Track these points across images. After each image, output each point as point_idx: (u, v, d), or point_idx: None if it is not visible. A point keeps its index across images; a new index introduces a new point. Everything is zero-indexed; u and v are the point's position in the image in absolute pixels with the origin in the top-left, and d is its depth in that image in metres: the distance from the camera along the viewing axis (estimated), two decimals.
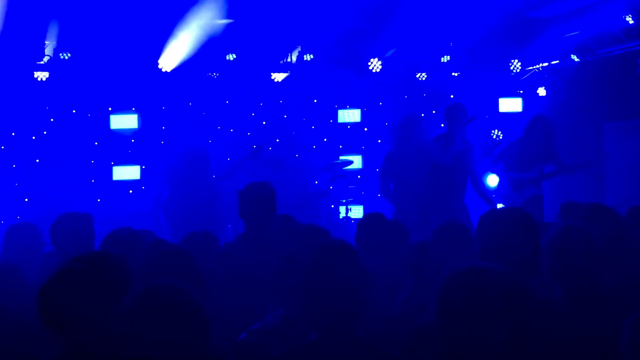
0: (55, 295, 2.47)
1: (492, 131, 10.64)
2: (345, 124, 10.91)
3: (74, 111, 9.77)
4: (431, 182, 7.73)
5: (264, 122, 10.53)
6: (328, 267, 2.71)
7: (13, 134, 9.55)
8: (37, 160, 9.61)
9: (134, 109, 9.94)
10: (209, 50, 9.35)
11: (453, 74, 10.70)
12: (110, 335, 2.41)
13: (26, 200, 9.46)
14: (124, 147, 9.96)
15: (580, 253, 3.02)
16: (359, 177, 10.71)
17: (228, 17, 8.92)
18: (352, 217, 9.42)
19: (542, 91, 10.93)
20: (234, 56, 9.74)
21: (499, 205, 8.73)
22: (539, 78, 10.99)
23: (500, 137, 10.35)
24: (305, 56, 9.88)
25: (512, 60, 10.56)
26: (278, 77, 10.19)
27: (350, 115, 10.86)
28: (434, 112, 10.84)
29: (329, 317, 2.67)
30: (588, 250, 3.03)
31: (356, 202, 10.17)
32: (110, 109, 9.90)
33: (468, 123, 7.72)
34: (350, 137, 10.90)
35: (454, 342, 2.16)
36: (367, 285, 2.74)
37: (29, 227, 5.27)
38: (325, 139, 10.83)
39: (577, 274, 3.01)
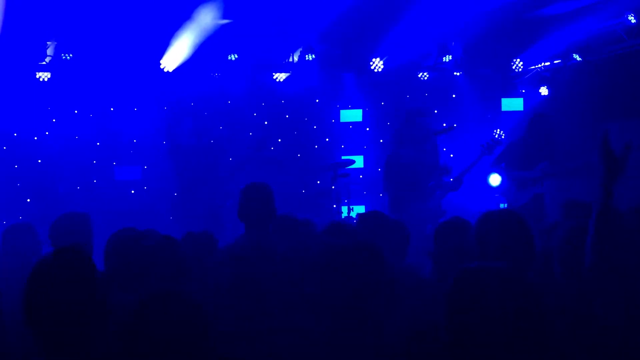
0: (33, 296, 2.48)
1: (495, 130, 10.63)
2: (347, 124, 10.91)
3: (75, 111, 9.78)
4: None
5: (265, 122, 10.53)
6: (353, 269, 2.76)
7: (15, 134, 9.56)
8: (39, 161, 9.62)
9: (136, 109, 9.94)
10: (210, 50, 9.35)
11: (455, 73, 10.70)
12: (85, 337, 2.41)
13: (28, 200, 9.47)
14: (126, 147, 9.97)
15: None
16: (360, 176, 10.71)
17: (230, 17, 8.92)
18: (355, 217, 9.42)
19: (544, 90, 10.92)
20: (236, 56, 9.74)
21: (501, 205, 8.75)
22: (541, 77, 10.98)
23: (503, 137, 10.34)
24: (307, 56, 9.88)
25: (514, 60, 10.55)
26: (280, 77, 10.20)
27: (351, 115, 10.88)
28: (435, 111, 10.83)
29: (351, 318, 2.71)
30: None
31: (358, 202, 10.16)
32: (112, 109, 9.90)
33: (441, 133, 7.79)
34: (352, 136, 10.90)
35: (463, 341, 2.20)
36: (392, 287, 2.81)
37: (26, 227, 5.27)
38: (327, 139, 10.83)
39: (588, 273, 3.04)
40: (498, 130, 10.62)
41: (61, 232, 4.58)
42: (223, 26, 9.06)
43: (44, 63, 9.11)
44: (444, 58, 10.38)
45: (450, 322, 2.23)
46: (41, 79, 9.19)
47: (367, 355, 2.68)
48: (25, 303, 2.47)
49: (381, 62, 9.99)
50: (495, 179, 9.13)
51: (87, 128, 9.78)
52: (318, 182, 10.45)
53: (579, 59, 10.05)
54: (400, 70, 10.40)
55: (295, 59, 9.99)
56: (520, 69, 10.64)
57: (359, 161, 10.50)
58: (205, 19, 8.70)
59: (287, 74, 10.16)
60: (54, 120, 9.72)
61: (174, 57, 9.22)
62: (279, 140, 10.49)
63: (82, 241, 4.48)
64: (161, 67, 9.28)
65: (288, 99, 10.52)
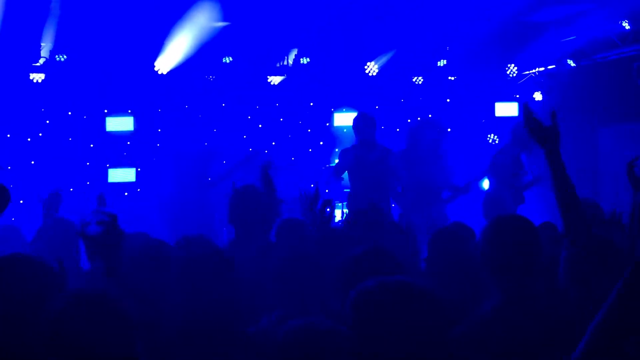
0: None
1: (488, 135, 10.66)
2: (341, 127, 10.90)
3: (69, 113, 9.75)
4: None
5: (260, 125, 10.53)
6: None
7: (8, 135, 9.53)
8: (33, 162, 9.59)
9: (129, 111, 9.92)
10: (205, 52, 9.34)
11: (449, 78, 10.71)
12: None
13: (21, 202, 9.43)
14: (119, 150, 9.95)
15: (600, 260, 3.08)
16: None
17: (225, 19, 8.91)
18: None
19: (538, 96, 10.95)
20: (231, 59, 9.74)
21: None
22: (535, 82, 11.00)
23: (497, 142, 10.35)
24: (301, 59, 9.88)
25: (509, 65, 10.57)
26: (274, 80, 10.19)
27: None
28: (430, 115, 10.85)
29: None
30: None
31: None
32: (106, 111, 9.88)
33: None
34: (347, 140, 10.88)
35: (370, 351, 2.20)
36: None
37: (10, 230, 5.23)
38: (321, 142, 10.83)
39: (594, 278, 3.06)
40: (492, 135, 10.65)
41: (44, 239, 4.51)
42: (218, 29, 9.05)
43: (38, 64, 9.09)
44: (438, 62, 10.40)
45: (356, 336, 2.23)
46: (35, 81, 9.16)
47: None
48: None
49: (376, 66, 10.00)
50: (488, 184, 9.14)
51: (80, 130, 9.76)
52: (312, 185, 10.41)
53: (573, 64, 10.08)
54: (395, 74, 10.41)
55: (290, 62, 9.99)
56: (514, 74, 10.66)
57: None
58: (200, 22, 8.69)
59: (282, 77, 10.16)
60: (47, 121, 9.69)
61: (168, 59, 9.21)
62: (273, 143, 10.48)
63: (66, 248, 4.42)
64: (155, 69, 9.26)
65: (282, 102, 10.53)
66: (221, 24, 8.98)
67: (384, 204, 7.46)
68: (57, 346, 2.21)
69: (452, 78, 10.73)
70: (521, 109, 10.93)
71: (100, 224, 2.86)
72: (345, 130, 10.88)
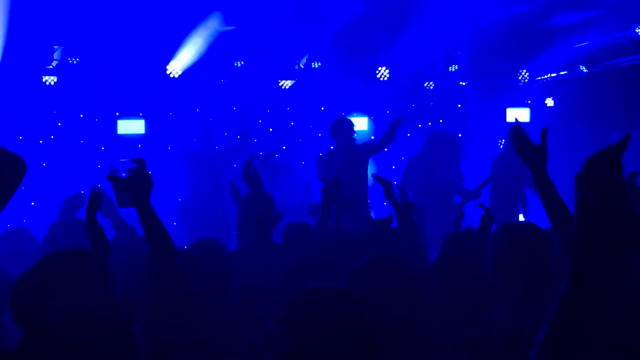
0: (26, 290, 2.48)
1: (499, 141, 10.62)
2: None
3: (81, 116, 9.80)
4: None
5: (271, 129, 10.54)
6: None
7: (20, 137, 9.57)
8: (44, 164, 9.63)
9: (141, 114, 9.96)
10: (217, 56, 9.37)
11: (461, 83, 10.70)
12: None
13: (32, 204, 9.47)
14: (130, 152, 9.97)
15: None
16: None
17: (236, 24, 8.93)
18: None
19: (550, 101, 10.92)
20: (242, 63, 9.76)
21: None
22: (547, 88, 10.97)
23: None
24: (313, 63, 9.89)
25: (521, 70, 10.55)
26: (286, 84, 10.21)
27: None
28: (440, 121, 10.84)
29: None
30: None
31: None
32: (117, 113, 9.92)
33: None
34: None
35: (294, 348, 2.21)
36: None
37: (21, 231, 5.24)
38: (331, 147, 10.82)
39: None
40: (503, 140, 10.61)
41: (55, 241, 4.51)
42: (230, 33, 9.07)
43: (50, 67, 9.13)
44: (450, 67, 10.39)
45: (290, 338, 2.24)
46: (47, 83, 9.20)
47: None
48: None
49: (387, 71, 10.00)
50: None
51: (92, 132, 9.80)
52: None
53: (585, 70, 10.05)
54: (407, 79, 10.41)
55: (302, 66, 10.01)
56: (526, 80, 10.64)
57: None
58: (212, 26, 8.71)
59: (293, 81, 10.17)
60: (59, 124, 9.73)
61: (180, 62, 9.24)
62: (284, 147, 10.49)
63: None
64: (167, 72, 9.29)
65: (294, 106, 10.54)
66: (232, 28, 9.00)
67: (363, 202, 7.55)
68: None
69: (464, 83, 10.72)
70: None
71: (129, 170, 3.12)
72: (356, 135, 10.89)
